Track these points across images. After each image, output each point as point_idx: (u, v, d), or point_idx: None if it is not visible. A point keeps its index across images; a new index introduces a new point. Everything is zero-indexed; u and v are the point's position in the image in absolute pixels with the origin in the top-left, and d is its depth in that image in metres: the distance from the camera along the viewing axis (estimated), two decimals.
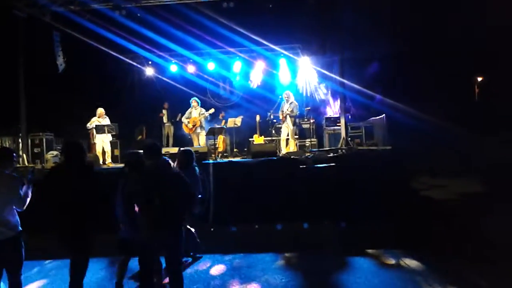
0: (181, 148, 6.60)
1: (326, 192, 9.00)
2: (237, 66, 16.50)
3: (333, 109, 15.56)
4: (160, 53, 15.98)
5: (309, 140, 13.48)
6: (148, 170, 4.57)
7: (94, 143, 12.19)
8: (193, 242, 6.53)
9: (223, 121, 14.51)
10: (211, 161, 9.75)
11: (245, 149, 13.75)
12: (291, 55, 16.00)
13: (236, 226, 7.61)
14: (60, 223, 4.42)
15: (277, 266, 6.23)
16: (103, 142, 11.93)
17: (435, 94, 18.77)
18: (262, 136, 13.64)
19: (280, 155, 11.60)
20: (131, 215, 4.81)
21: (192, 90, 15.73)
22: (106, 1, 11.84)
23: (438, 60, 18.83)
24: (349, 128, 12.75)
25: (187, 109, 13.09)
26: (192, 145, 12.81)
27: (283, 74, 16.42)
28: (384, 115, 13.31)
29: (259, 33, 14.05)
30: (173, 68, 16.80)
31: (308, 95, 16.10)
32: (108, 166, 11.64)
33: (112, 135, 12.17)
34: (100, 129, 11.78)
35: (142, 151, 4.90)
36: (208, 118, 13.22)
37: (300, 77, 16.23)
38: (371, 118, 14.11)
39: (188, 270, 6.17)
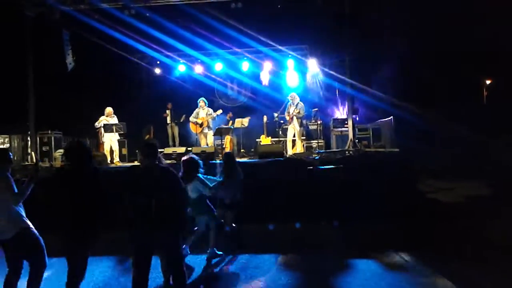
0: (183, 158, 6.50)
1: (333, 193, 9.00)
2: (245, 66, 16.49)
3: (340, 110, 15.53)
4: (168, 53, 16.00)
5: (316, 141, 13.46)
6: (143, 170, 4.50)
7: (103, 142, 12.25)
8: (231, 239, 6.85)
9: (230, 121, 14.53)
10: (218, 161, 9.76)
11: (252, 150, 13.75)
12: (299, 56, 15.98)
13: (242, 226, 7.60)
14: (63, 224, 4.43)
15: (282, 267, 6.22)
16: (111, 141, 12.00)
17: (444, 96, 18.72)
18: (269, 137, 13.65)
19: (287, 156, 11.60)
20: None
21: (200, 90, 15.80)
22: (115, 1, 11.88)
23: (447, 63, 18.77)
24: (357, 129, 12.70)
25: (193, 110, 13.12)
26: (198, 145, 12.83)
27: (291, 75, 16.40)
28: (391, 117, 13.27)
29: (267, 34, 14.05)
30: (181, 68, 16.83)
31: (316, 96, 16.08)
32: (116, 165, 11.70)
33: (120, 134, 12.23)
34: (108, 128, 11.84)
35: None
36: (216, 119, 13.24)
37: (308, 78, 16.22)
38: (378, 120, 14.08)
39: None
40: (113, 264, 6.46)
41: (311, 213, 9.12)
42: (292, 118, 12.28)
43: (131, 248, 4.35)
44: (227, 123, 14.36)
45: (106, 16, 12.36)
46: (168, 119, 15.17)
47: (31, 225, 4.66)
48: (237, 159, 11.59)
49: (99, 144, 12.66)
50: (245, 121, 13.86)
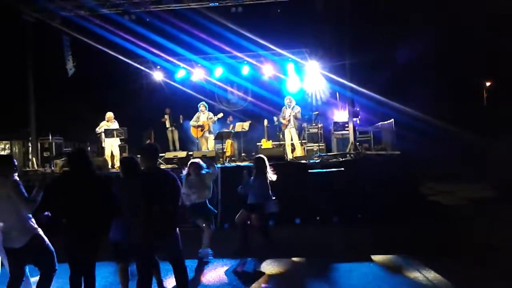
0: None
1: (334, 196, 9.01)
2: (245, 70, 16.50)
3: (341, 113, 15.52)
4: (168, 58, 16.02)
5: (317, 144, 13.45)
6: (144, 174, 4.51)
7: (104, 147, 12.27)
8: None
9: (231, 125, 14.53)
10: (219, 165, 9.76)
11: (253, 154, 13.72)
12: (299, 60, 15.98)
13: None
14: (68, 229, 4.44)
15: (284, 271, 6.22)
16: (112, 146, 12.00)
17: (444, 99, 18.72)
18: (270, 141, 13.64)
19: (288, 159, 11.59)
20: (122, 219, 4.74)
21: (200, 94, 15.82)
22: (115, 6, 11.92)
23: (447, 65, 18.77)
24: (358, 132, 12.71)
25: (194, 114, 13.12)
26: (199, 149, 12.83)
27: (291, 79, 16.41)
28: (392, 120, 13.27)
29: (267, 38, 14.07)
30: (181, 72, 16.83)
31: (316, 99, 16.08)
32: (117, 170, 11.67)
33: (120, 139, 12.23)
34: (109, 133, 11.84)
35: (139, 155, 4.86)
36: (216, 122, 13.24)
37: (308, 81, 16.21)
38: (379, 123, 14.08)
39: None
40: (114, 269, 6.44)
41: (312, 216, 9.14)
42: (289, 121, 12.24)
43: (130, 252, 4.40)
44: (227, 127, 14.36)
45: (107, 21, 12.40)
46: (167, 124, 15.17)
47: (40, 231, 4.64)
48: (238, 163, 11.67)
49: (101, 149, 12.66)
50: (246, 125, 13.84)
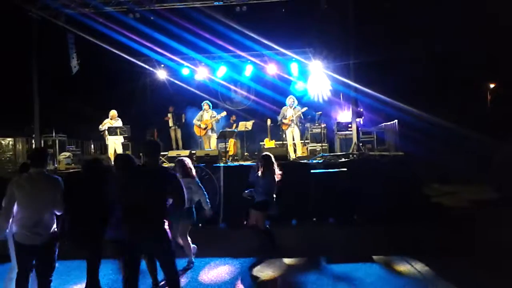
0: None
1: (336, 196, 9.00)
2: (249, 70, 16.50)
3: (344, 113, 15.49)
4: (172, 57, 16.03)
5: (320, 144, 13.43)
6: (137, 169, 4.49)
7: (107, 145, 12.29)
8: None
9: (234, 124, 14.52)
10: (222, 164, 9.76)
11: (256, 153, 13.74)
12: (302, 60, 15.96)
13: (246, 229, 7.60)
14: (79, 227, 4.51)
15: (286, 270, 6.21)
16: (115, 144, 12.02)
17: (448, 100, 18.65)
18: (273, 140, 13.63)
19: (291, 159, 11.58)
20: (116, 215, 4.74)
21: (204, 93, 15.83)
22: (120, 5, 11.93)
23: (451, 66, 18.71)
24: (361, 133, 12.67)
25: (197, 113, 13.13)
26: (202, 148, 12.84)
27: (295, 78, 16.39)
28: (396, 120, 13.23)
29: (271, 38, 14.04)
30: (185, 71, 16.85)
31: (320, 99, 16.05)
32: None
33: (124, 137, 12.24)
34: (112, 131, 11.86)
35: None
36: (219, 121, 13.24)
37: (312, 81, 16.18)
38: (382, 124, 14.03)
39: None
40: (116, 267, 6.44)
41: (314, 216, 9.12)
42: (292, 121, 12.23)
43: (121, 247, 4.36)
44: (230, 126, 14.36)
45: (111, 19, 12.39)
46: (170, 123, 15.17)
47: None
48: (241, 162, 11.67)
49: (106, 147, 12.67)
50: (249, 124, 13.84)
